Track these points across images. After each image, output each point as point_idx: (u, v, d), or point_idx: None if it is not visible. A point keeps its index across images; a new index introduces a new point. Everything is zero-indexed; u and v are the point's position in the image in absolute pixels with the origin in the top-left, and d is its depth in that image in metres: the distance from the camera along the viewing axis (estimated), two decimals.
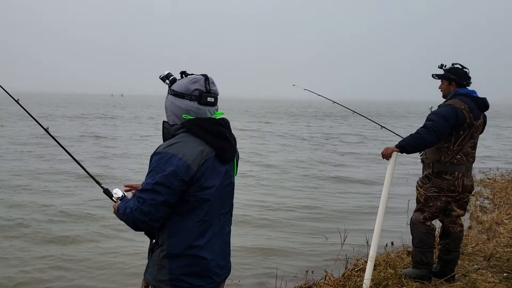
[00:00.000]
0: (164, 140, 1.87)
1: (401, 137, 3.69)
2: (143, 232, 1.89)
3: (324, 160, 13.55)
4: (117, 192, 1.99)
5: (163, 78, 1.90)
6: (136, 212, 1.74)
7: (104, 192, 2.10)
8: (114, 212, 1.90)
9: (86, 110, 43.63)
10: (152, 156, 1.80)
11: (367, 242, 5.06)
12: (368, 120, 5.11)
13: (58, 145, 2.43)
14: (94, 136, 18.22)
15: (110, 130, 21.67)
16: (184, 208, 1.78)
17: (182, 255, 1.79)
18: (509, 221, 5.99)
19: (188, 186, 1.74)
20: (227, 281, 2.07)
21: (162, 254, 1.80)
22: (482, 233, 5.56)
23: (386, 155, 3.51)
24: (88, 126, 23.51)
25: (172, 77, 1.89)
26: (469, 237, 5.27)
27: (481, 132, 3.73)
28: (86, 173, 2.36)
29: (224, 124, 1.89)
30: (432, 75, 3.77)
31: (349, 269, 4.27)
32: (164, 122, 1.90)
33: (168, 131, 1.86)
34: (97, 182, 2.26)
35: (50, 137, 2.42)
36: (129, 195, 1.99)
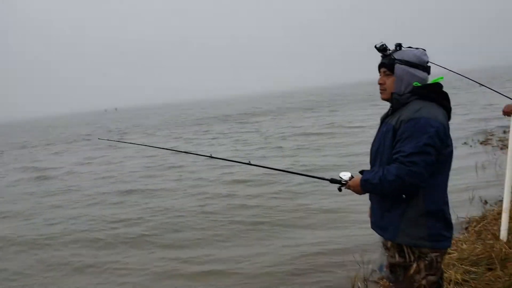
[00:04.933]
0: (393, 110, 2.00)
1: None
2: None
3: None
4: (345, 174, 2.06)
5: (383, 49, 1.98)
6: (406, 176, 1.79)
7: (331, 181, 2.10)
8: (356, 188, 1.98)
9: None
10: (399, 124, 1.88)
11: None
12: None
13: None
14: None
15: None
16: (436, 167, 1.85)
17: (438, 210, 1.89)
18: None
19: (442, 145, 1.86)
20: None
21: (419, 212, 1.87)
22: None
23: (508, 112, 3.43)
24: None
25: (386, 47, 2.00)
26: None
27: None
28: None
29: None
30: None
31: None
32: (393, 93, 1.98)
33: (398, 101, 1.96)
34: (321, 178, 2.22)
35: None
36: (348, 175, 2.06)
